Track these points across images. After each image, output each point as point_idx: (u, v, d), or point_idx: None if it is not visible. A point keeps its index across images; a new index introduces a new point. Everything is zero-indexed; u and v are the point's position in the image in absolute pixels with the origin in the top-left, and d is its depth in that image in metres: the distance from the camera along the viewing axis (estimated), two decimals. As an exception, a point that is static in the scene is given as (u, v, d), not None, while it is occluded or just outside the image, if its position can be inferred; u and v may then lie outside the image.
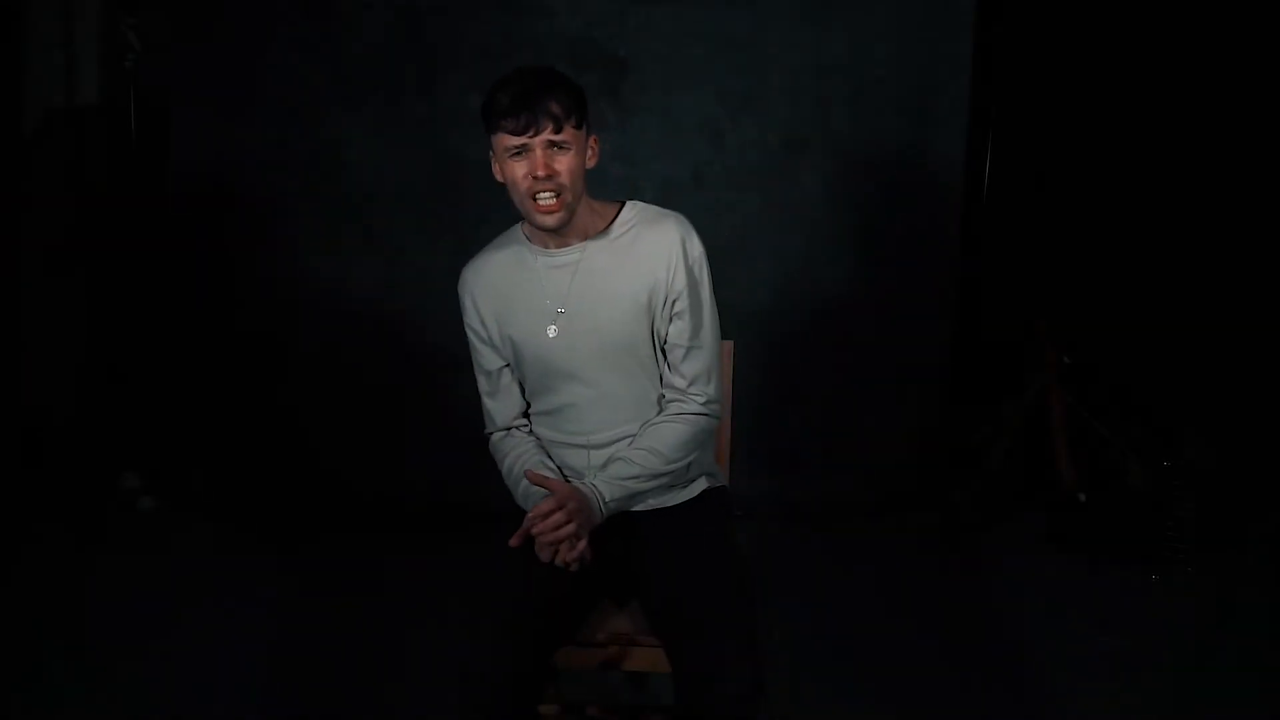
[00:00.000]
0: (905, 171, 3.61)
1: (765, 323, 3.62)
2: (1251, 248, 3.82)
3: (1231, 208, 3.81)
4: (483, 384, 2.13)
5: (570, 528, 1.86)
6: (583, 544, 1.87)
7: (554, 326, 2.00)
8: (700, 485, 2.09)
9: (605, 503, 1.93)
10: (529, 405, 2.12)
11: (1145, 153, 3.80)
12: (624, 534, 2.01)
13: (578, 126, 1.94)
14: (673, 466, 2.00)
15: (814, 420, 3.71)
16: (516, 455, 2.07)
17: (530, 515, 1.88)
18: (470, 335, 2.11)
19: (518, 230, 2.10)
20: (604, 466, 1.99)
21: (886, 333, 3.69)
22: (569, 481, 1.97)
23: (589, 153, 1.98)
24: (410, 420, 3.69)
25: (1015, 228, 3.91)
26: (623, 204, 2.06)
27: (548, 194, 1.92)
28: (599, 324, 1.98)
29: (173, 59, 3.55)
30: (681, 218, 2.03)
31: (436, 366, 3.64)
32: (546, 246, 2.03)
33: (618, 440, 2.02)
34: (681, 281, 1.99)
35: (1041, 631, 2.98)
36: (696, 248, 2.01)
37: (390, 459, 3.71)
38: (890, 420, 3.74)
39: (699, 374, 2.02)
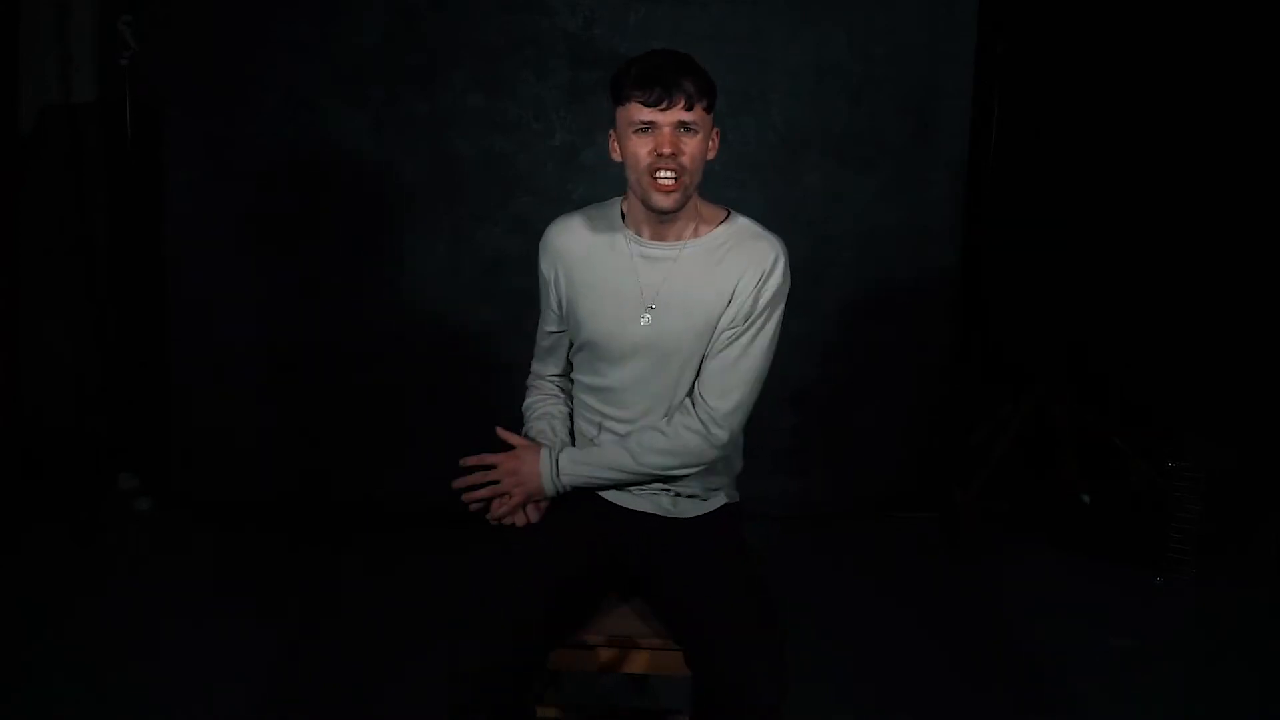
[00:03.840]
0: (906, 171, 3.60)
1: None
2: (1255, 249, 3.81)
3: (1237, 207, 3.80)
4: (539, 336, 2.17)
5: (505, 493, 1.99)
6: (510, 507, 1.99)
7: (646, 317, 1.97)
8: (719, 500, 2.08)
9: (558, 480, 1.99)
10: (570, 367, 2.14)
11: (1149, 151, 3.79)
12: (635, 536, 2.00)
13: (708, 110, 1.91)
14: (642, 473, 1.98)
15: (814, 420, 3.70)
16: (535, 399, 2.16)
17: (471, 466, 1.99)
18: (541, 291, 2.11)
19: (615, 207, 2.06)
20: (585, 445, 2.04)
21: (887, 332, 3.68)
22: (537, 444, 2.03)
23: (711, 143, 1.95)
24: (410, 420, 3.67)
25: (1017, 227, 3.90)
26: (729, 212, 2.04)
27: (668, 174, 1.89)
28: (681, 327, 1.96)
29: (169, 57, 3.53)
30: (778, 243, 1.99)
31: (437, 366, 3.64)
32: (642, 234, 2.00)
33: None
34: (748, 305, 1.96)
35: (1044, 633, 2.97)
36: (778, 278, 1.97)
37: (390, 459, 3.69)
38: (890, 420, 3.73)
39: (715, 394, 1.96)
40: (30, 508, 3.63)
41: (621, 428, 2.02)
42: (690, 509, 2.04)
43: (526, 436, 2.09)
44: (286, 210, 3.60)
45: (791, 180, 3.60)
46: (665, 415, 2.00)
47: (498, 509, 1.99)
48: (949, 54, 3.56)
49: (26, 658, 2.76)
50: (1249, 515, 3.62)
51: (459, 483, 2.00)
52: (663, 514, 2.03)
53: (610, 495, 2.04)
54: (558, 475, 1.98)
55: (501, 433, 2.05)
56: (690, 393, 1.99)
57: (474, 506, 2.00)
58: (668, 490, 2.03)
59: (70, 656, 2.76)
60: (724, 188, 3.53)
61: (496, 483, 1.99)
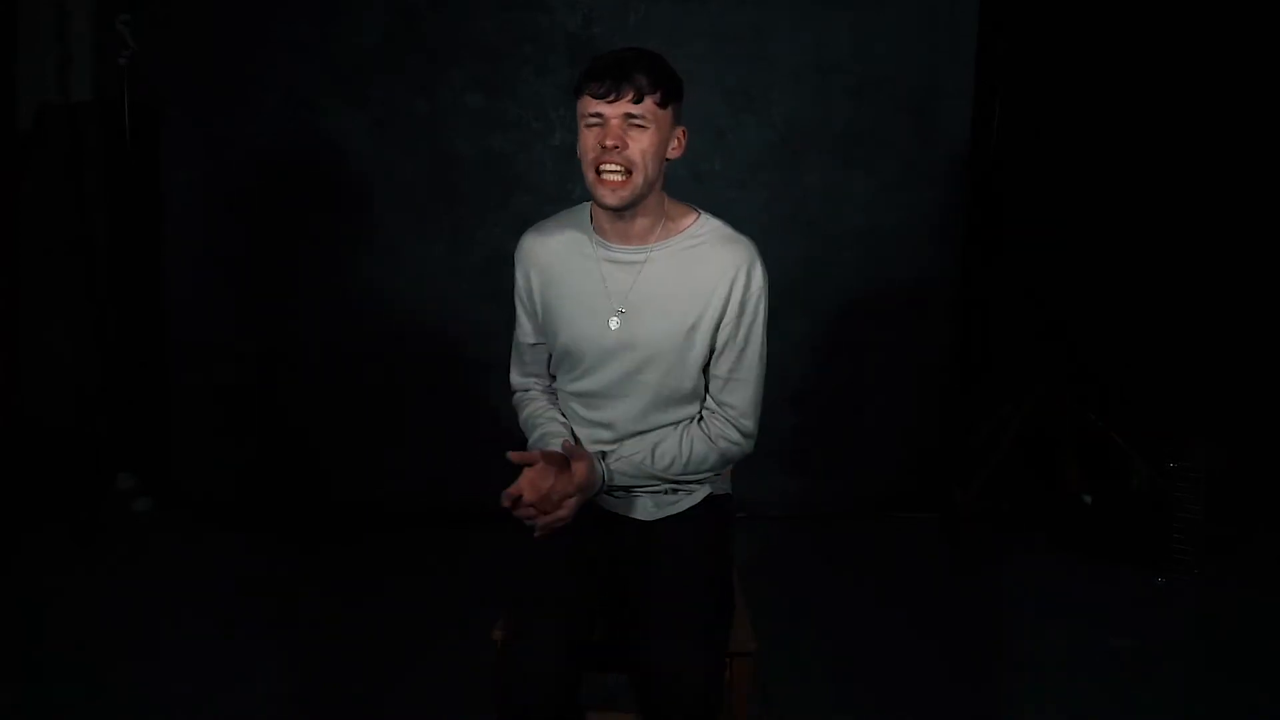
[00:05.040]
0: (907, 170, 3.60)
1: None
2: (1256, 249, 3.81)
3: (1237, 208, 3.80)
4: (515, 346, 2.13)
5: (564, 513, 1.87)
6: (561, 520, 1.88)
7: (614, 320, 1.95)
8: (704, 491, 2.07)
9: (608, 486, 1.96)
10: (554, 378, 2.12)
11: (1150, 152, 3.79)
12: (622, 540, 2.00)
13: (661, 105, 1.87)
14: (683, 479, 2.01)
15: (814, 420, 3.69)
16: (535, 409, 2.09)
17: (538, 493, 1.85)
18: (516, 302, 2.09)
19: (585, 212, 2.03)
20: (631, 449, 1.97)
21: (888, 332, 3.68)
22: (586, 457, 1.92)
23: (674, 142, 1.92)
24: (410, 420, 3.67)
25: (1019, 227, 3.89)
26: (699, 213, 2.01)
27: (614, 168, 1.86)
28: (656, 329, 1.95)
29: (168, 56, 3.53)
30: (751, 245, 1.98)
31: (437, 365, 3.64)
32: (608, 239, 1.97)
33: (617, 441, 2.01)
34: (734, 311, 1.95)
35: (1044, 633, 2.97)
36: (759, 280, 1.96)
37: (389, 459, 3.69)
38: (890, 420, 3.73)
39: (739, 405, 2.00)
40: (30, 508, 3.62)
41: (607, 433, 2.01)
42: (672, 509, 2.04)
43: (541, 447, 2.00)
44: (286, 210, 3.60)
45: (792, 180, 3.59)
46: (647, 414, 1.99)
47: (550, 523, 1.87)
48: (950, 53, 3.55)
49: (26, 658, 2.76)
50: (1252, 515, 3.61)
51: (511, 498, 1.87)
52: (646, 518, 2.03)
53: (601, 499, 2.03)
54: (609, 484, 1.96)
55: (569, 446, 1.91)
56: (703, 401, 2.02)
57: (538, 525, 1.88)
58: (654, 492, 2.02)
59: (70, 656, 2.76)
60: (724, 187, 3.54)
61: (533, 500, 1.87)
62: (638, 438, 2.00)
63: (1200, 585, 3.23)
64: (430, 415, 3.64)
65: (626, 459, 1.97)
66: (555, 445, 1.97)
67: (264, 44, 3.50)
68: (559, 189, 3.53)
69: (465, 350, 3.57)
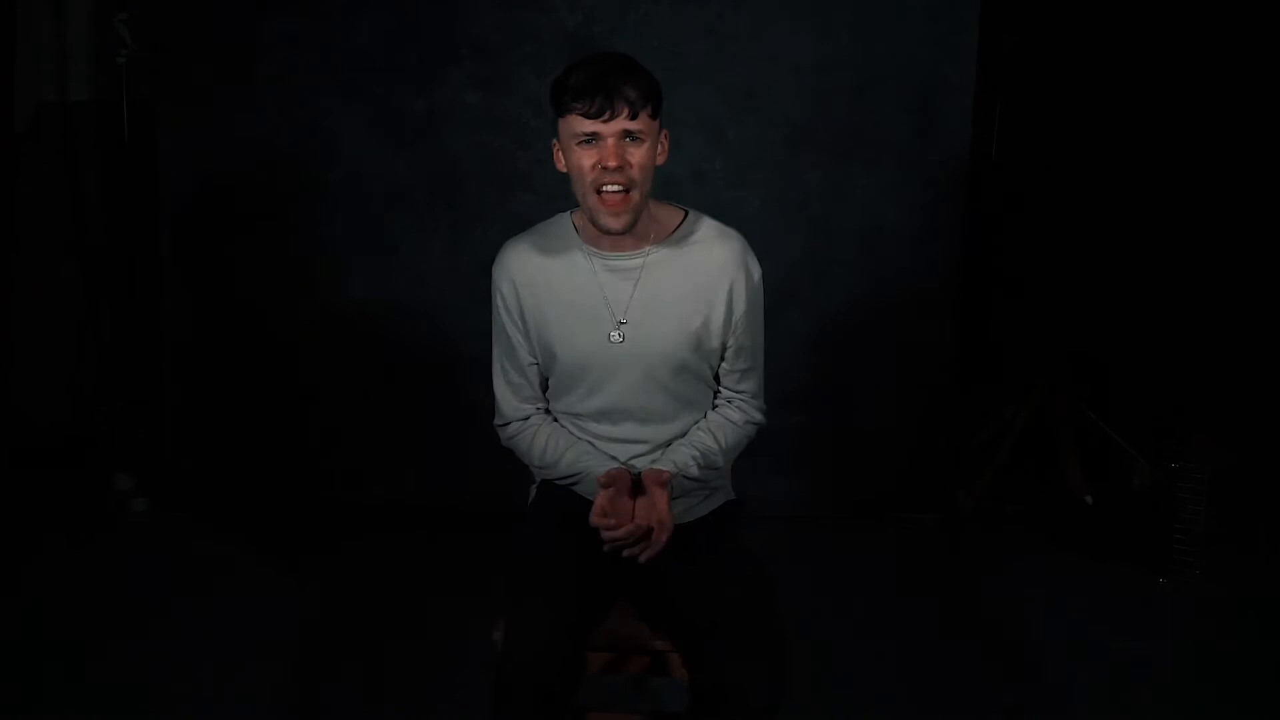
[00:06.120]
0: (908, 169, 3.59)
1: (766, 322, 3.59)
2: (1259, 249, 3.81)
3: (1240, 207, 3.80)
4: (505, 372, 2.05)
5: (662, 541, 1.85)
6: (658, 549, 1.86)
7: (616, 334, 1.93)
8: (721, 497, 2.08)
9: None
10: (547, 401, 2.07)
11: (1154, 151, 3.79)
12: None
13: (653, 116, 1.86)
14: (725, 466, 2.03)
15: (815, 420, 3.69)
16: (550, 433, 2.01)
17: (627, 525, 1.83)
18: (502, 321, 2.02)
19: (566, 221, 2.00)
20: (683, 458, 1.94)
21: (889, 332, 3.67)
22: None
23: (659, 148, 1.90)
24: (410, 420, 3.67)
25: (1020, 226, 3.89)
26: (686, 212, 2.00)
27: (616, 187, 1.83)
28: (659, 334, 1.93)
29: (166, 55, 3.53)
30: (742, 239, 1.98)
31: (436, 365, 3.63)
32: (600, 246, 1.94)
33: (651, 452, 1.99)
34: (743, 307, 1.96)
35: (1046, 635, 2.96)
36: (757, 273, 1.99)
37: (389, 459, 3.68)
38: (891, 420, 3.72)
39: (756, 390, 2.06)
40: (28, 508, 3.62)
41: (634, 448, 1.98)
42: (690, 513, 2.02)
43: (575, 474, 1.97)
44: (284, 209, 3.60)
45: (793, 178, 3.58)
46: (674, 416, 1.98)
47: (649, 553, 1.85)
48: (953, 50, 3.54)
49: (24, 658, 2.75)
50: (1255, 515, 3.60)
51: (610, 539, 1.84)
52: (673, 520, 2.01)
53: None
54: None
55: (611, 477, 1.87)
56: (724, 395, 2.05)
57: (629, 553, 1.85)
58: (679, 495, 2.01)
59: (69, 657, 2.75)
60: (724, 187, 3.54)
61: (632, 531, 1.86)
62: (669, 448, 1.96)
63: (1202, 586, 3.22)
64: (430, 415, 3.64)
65: (686, 468, 1.92)
66: (596, 465, 1.94)
67: (263, 43, 3.49)
68: (559, 189, 3.46)
69: (465, 350, 3.57)
